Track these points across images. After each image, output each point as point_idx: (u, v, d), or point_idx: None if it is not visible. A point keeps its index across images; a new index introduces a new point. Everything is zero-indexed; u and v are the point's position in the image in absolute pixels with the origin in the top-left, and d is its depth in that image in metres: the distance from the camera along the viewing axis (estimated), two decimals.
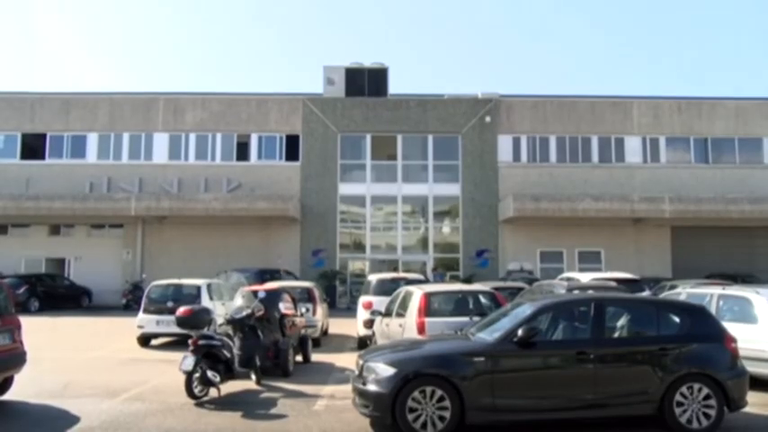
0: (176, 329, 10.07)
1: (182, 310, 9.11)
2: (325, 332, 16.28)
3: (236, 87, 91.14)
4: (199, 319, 9.00)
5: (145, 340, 14.57)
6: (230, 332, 9.95)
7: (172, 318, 10.29)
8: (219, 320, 10.67)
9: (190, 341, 8.68)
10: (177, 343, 14.06)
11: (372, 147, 28.79)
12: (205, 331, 8.94)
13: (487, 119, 28.46)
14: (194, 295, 14.65)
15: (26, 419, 7.64)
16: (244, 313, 10.14)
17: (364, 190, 28.61)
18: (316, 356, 12.52)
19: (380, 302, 12.98)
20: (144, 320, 14.55)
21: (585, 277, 16.58)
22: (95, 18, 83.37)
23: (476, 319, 8.91)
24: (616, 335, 7.30)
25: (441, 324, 9.29)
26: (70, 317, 21.72)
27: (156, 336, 14.72)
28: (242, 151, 28.75)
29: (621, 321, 7.37)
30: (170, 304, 14.10)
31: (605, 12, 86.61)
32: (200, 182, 28.09)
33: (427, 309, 9.81)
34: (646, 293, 15.28)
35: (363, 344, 13.17)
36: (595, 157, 28.76)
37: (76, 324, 19.62)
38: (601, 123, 28.89)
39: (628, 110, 29.10)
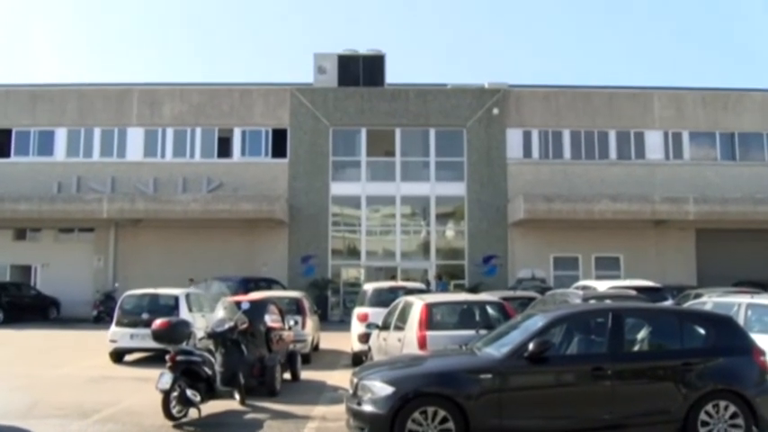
0: (152, 344, 10.05)
1: (158, 322, 9.10)
2: (315, 347, 16.25)
3: (218, 77, 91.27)
4: (177, 332, 8.99)
5: (118, 356, 14.54)
6: (211, 347, 9.94)
7: (147, 331, 10.27)
8: (200, 334, 10.66)
9: (167, 357, 8.67)
10: (153, 359, 14.03)
11: (368, 142, 28.80)
12: (184, 346, 8.93)
13: (495, 111, 28.51)
14: (172, 306, 14.62)
15: None
16: (226, 326, 10.13)
17: (359, 190, 28.62)
18: (305, 374, 12.50)
19: (377, 314, 12.99)
20: (117, 334, 14.52)
21: (602, 285, 16.59)
22: (62, 2, 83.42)
23: (482, 332, 8.91)
24: (636, 349, 7.32)
25: (444, 338, 9.30)
26: (36, 330, 21.69)
27: (130, 351, 14.69)
28: (224, 147, 28.75)
29: (642, 334, 7.38)
30: (145, 316, 14.09)
31: None
32: (179, 181, 28.08)
33: (429, 321, 9.80)
34: (668, 303, 15.30)
35: (358, 360, 13.15)
36: (613, 153, 28.83)
37: (43, 338, 19.58)
38: (619, 116, 28.96)
39: (648, 102, 29.18)
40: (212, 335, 10.05)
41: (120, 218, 26.57)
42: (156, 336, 9.00)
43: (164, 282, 20.27)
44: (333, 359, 15.35)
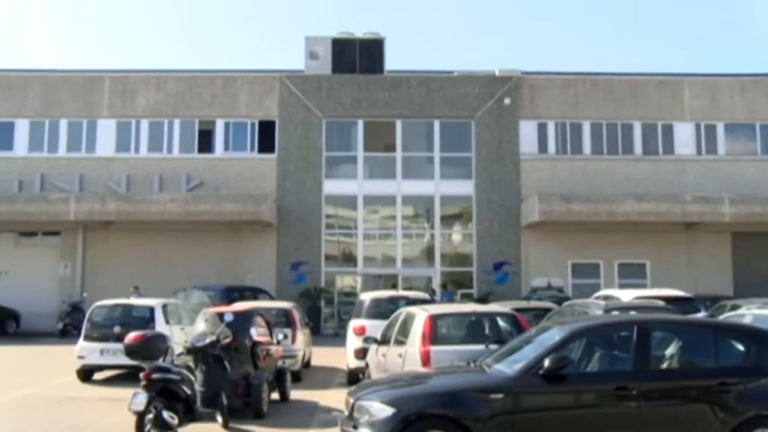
0: (125, 360, 10.03)
1: (131, 336, 9.09)
2: (307, 364, 16.30)
3: (198, 63, 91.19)
4: (152, 347, 8.98)
5: (86, 374, 14.55)
6: (191, 364, 9.94)
7: (119, 346, 10.25)
8: (178, 349, 10.63)
9: (141, 375, 8.67)
10: (126, 377, 14.02)
11: (365, 135, 28.83)
12: (160, 363, 8.93)
13: (506, 101, 28.55)
14: (147, 318, 14.63)
15: None
16: (207, 340, 10.13)
17: (355, 188, 28.64)
18: (296, 393, 12.51)
19: (375, 327, 12.97)
20: (85, 350, 14.52)
21: (627, 295, 16.61)
22: None
23: (493, 347, 8.92)
24: (664, 366, 7.33)
25: (450, 353, 9.30)
26: None
27: (100, 368, 14.70)
28: (205, 141, 28.77)
29: (671, 349, 7.40)
30: (117, 330, 14.11)
31: None
32: (155, 179, 28.10)
33: (433, 335, 9.81)
34: (701, 315, 15.32)
35: (355, 378, 13.17)
36: (638, 147, 28.86)
37: (2, 354, 19.54)
38: (645, 107, 28.99)
39: (678, 90, 29.23)
40: (192, 350, 10.05)
41: (88, 220, 26.55)
42: (130, 351, 9.00)
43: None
44: (326, 377, 15.35)
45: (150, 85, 29.07)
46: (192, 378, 9.38)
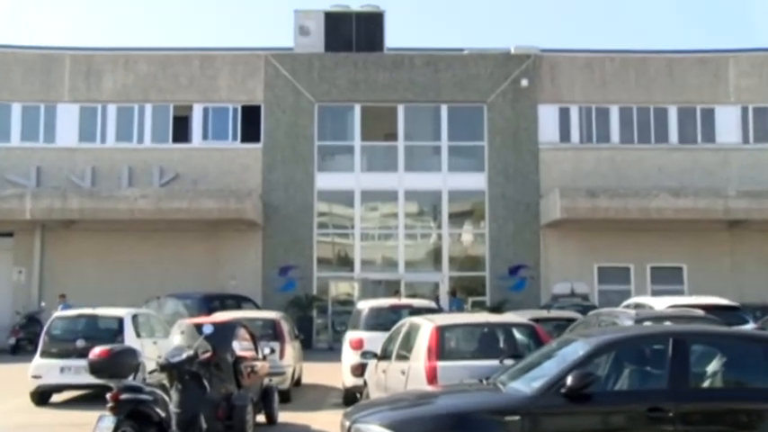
0: (89, 379, 10.02)
1: (97, 351, 9.08)
2: (297, 382, 16.34)
3: (173, 41, 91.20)
4: (121, 363, 8.98)
5: (42, 396, 14.51)
6: (165, 382, 9.94)
7: (82, 363, 10.26)
8: (150, 366, 10.62)
9: (108, 395, 8.66)
10: (90, 398, 14.01)
11: (363, 122, 28.86)
12: (130, 381, 8.93)
13: (524, 82, 28.55)
14: (115, 331, 14.63)
15: None
16: (184, 356, 10.12)
17: (352, 183, 28.66)
18: (284, 416, 12.51)
19: (375, 340, 13.01)
20: (42, 367, 14.47)
21: (661, 303, 16.59)
22: None
23: (508, 362, 8.93)
24: (705, 385, 7.31)
25: (459, 370, 9.28)
26: None
27: (60, 389, 14.68)
28: (181, 129, 28.79)
29: (713, 366, 7.38)
30: (80, 344, 14.06)
31: None
32: (123, 172, 28.12)
33: (440, 348, 9.81)
34: (749, 327, 15.30)
35: (351, 398, 13.18)
36: (674, 135, 28.86)
37: None
38: (682, 88, 28.98)
39: (721, 69, 29.20)
40: (166, 367, 10.04)
41: (47, 219, 26.56)
42: (95, 368, 8.99)
43: (104, 300, 20.27)
44: (319, 397, 15.38)
45: (118, 65, 29.06)
46: (167, 398, 9.37)
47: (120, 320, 14.91)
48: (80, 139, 28.64)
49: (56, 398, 14.78)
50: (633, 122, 28.86)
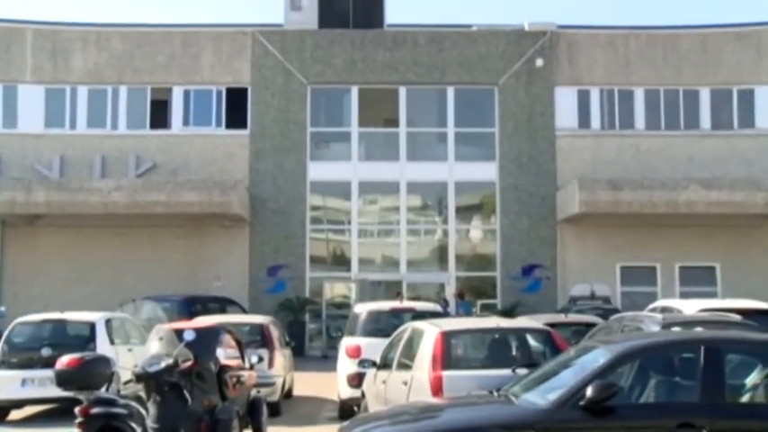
0: (55, 392, 10.01)
1: (65, 360, 9.06)
2: (288, 393, 16.38)
3: (151, 16, 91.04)
4: (92, 373, 8.96)
5: (1, 412, 14.46)
6: (142, 394, 9.92)
7: (48, 373, 10.24)
8: (125, 376, 10.59)
9: (77, 410, 8.65)
10: (56, 414, 14.00)
11: (361, 106, 28.83)
12: (102, 393, 8.91)
13: (539, 62, 28.48)
14: (86, 337, 14.61)
15: None
16: (162, 365, 10.09)
17: (349, 173, 28.65)
18: (273, 430, 12.49)
19: (374, 347, 12.99)
20: (1, 380, 14.41)
21: (691, 307, 16.53)
22: None
23: (521, 372, 8.93)
24: (743, 399, 7.27)
25: (467, 380, 9.28)
26: None
27: (21, 404, 14.63)
28: (159, 114, 28.75)
29: (753, 378, 7.35)
30: (46, 353, 14.07)
31: None
32: (95, 161, 28.08)
33: (446, 357, 9.80)
34: None
35: (348, 412, 13.19)
36: (706, 120, 28.79)
37: None
38: (716, 67, 28.86)
39: (763, 44, 29.07)
40: (143, 377, 10.01)
41: (9, 213, 26.48)
42: (62, 379, 8.97)
43: (74, 303, 20.27)
44: (312, 409, 15.40)
45: (89, 42, 28.96)
46: (143, 412, 9.36)
47: (92, 326, 14.87)
48: (46, 124, 28.56)
49: (15, 414, 14.70)
50: (660, 106, 28.79)
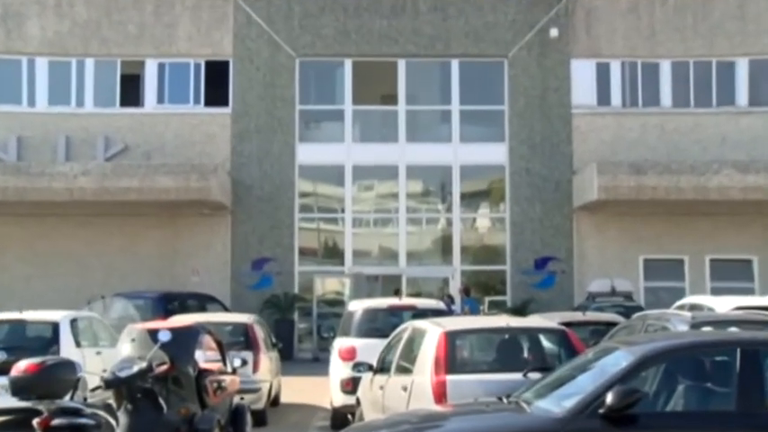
0: (11, 402, 9.98)
1: (22, 366, 9.02)
2: (274, 400, 16.40)
3: None
4: (54, 380, 8.94)
5: None
6: (112, 402, 9.91)
7: (3, 381, 10.20)
8: (93, 382, 10.56)
9: (36, 422, 8.62)
10: (12, 425, 13.95)
11: (355, 81, 28.82)
12: (66, 402, 8.88)
13: (553, 32, 28.40)
14: (48, 339, 14.62)
15: None
16: (135, 369, 10.06)
17: (342, 156, 28.65)
18: None
19: (370, 349, 13.00)
20: None
21: (724, 304, 16.56)
22: None
23: (534, 376, 8.91)
24: None
25: (473, 385, 9.30)
26: None
27: None
28: (131, 90, 28.71)
29: None
30: (1, 357, 13.94)
31: None
32: (59, 143, 27.99)
33: (450, 359, 9.80)
34: None
35: (341, 420, 13.23)
36: (743, 96, 28.73)
37: None
38: (756, 35, 28.66)
39: None
40: (113, 382, 9.98)
41: None
42: (19, 387, 8.93)
43: (35, 301, 20.28)
44: (302, 418, 15.47)
45: (47, 8, 28.77)
46: (113, 422, 9.33)
47: (55, 326, 14.80)
48: (1, 101, 28.44)
49: None
50: (689, 80, 28.71)
